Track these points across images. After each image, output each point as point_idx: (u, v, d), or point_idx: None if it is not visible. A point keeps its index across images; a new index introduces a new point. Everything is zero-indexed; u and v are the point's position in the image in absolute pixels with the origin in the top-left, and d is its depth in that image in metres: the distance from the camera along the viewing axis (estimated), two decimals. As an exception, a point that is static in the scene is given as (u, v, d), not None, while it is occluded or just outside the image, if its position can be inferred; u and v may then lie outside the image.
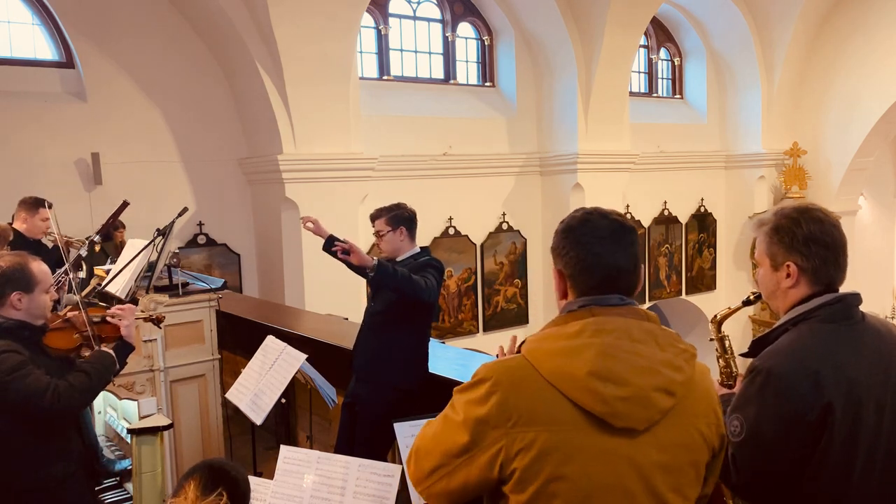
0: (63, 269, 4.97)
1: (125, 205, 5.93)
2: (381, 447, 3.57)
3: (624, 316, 1.49)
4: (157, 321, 3.29)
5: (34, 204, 5.17)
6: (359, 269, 3.67)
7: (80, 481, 2.72)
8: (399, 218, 3.73)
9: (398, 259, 3.74)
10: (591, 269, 1.52)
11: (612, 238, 1.52)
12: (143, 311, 3.30)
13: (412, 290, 3.44)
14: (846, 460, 1.73)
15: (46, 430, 2.59)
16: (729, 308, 2.38)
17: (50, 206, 5.42)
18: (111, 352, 2.75)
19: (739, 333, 10.41)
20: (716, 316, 2.41)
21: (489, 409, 1.42)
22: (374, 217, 3.80)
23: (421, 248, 3.81)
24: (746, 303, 2.27)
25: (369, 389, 3.69)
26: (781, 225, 1.86)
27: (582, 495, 1.40)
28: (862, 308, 1.89)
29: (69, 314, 2.86)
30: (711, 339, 2.39)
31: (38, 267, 2.69)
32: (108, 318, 2.90)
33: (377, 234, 3.76)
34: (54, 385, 2.48)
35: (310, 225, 3.88)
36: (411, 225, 3.77)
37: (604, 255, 1.51)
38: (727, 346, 2.36)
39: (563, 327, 1.49)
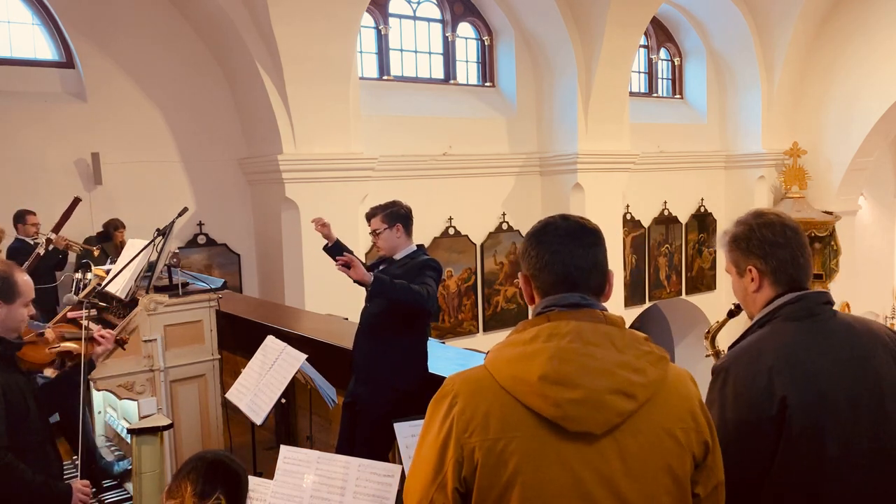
0: (25, 265, 4.97)
1: (77, 201, 5.92)
2: (382, 447, 3.56)
3: (579, 319, 1.47)
4: (122, 343, 3.27)
5: None
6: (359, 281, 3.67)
7: None
8: (395, 215, 3.72)
9: (396, 258, 3.74)
10: (549, 266, 1.53)
11: (571, 236, 1.54)
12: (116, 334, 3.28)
13: (413, 300, 3.46)
14: (815, 455, 1.74)
15: (20, 446, 2.53)
16: (717, 322, 2.42)
17: None
18: (75, 494, 2.64)
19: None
20: (708, 331, 2.44)
21: (450, 422, 1.43)
22: (369, 216, 3.78)
23: (417, 245, 3.82)
24: (730, 314, 2.31)
25: (369, 390, 3.69)
26: (738, 233, 1.93)
27: (542, 501, 1.39)
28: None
29: (46, 331, 2.87)
30: (708, 356, 2.39)
31: (23, 279, 2.63)
32: (96, 336, 2.94)
33: (374, 232, 3.75)
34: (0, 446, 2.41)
35: (321, 228, 3.90)
36: (407, 222, 3.77)
37: (561, 252, 1.52)
38: None
39: (521, 334, 1.49)
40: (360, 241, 7.30)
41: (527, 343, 1.46)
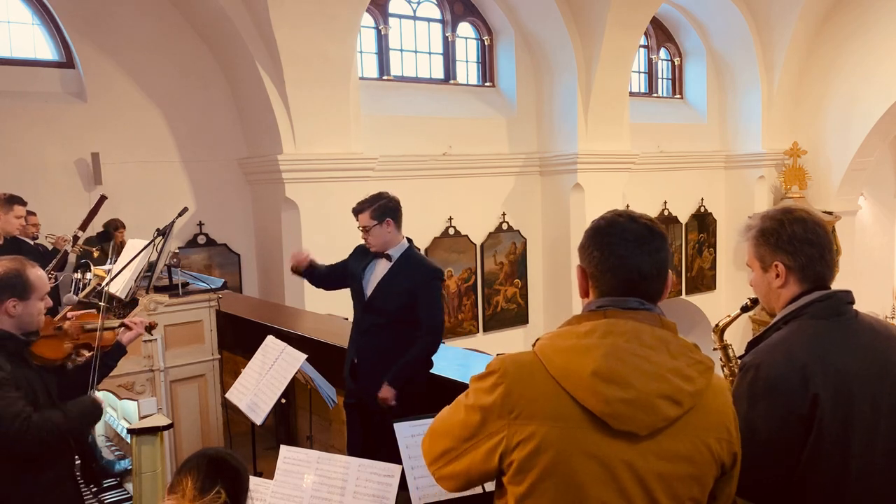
0: (49, 267, 4.99)
1: (103, 199, 5.94)
2: (390, 447, 3.55)
3: (637, 320, 1.49)
4: (151, 327, 3.25)
5: (8, 201, 5.18)
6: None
7: (70, 487, 2.69)
8: (384, 209, 3.57)
9: (392, 258, 3.63)
10: (612, 271, 1.53)
11: (638, 242, 1.53)
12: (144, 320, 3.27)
13: (430, 355, 3.57)
14: (841, 455, 1.73)
15: None
16: (729, 316, 2.41)
17: (24, 204, 5.43)
18: (99, 400, 2.70)
19: (739, 334, 10.41)
20: (717, 325, 2.43)
21: (494, 399, 1.46)
22: (357, 211, 3.62)
23: (407, 239, 3.70)
24: (744, 309, 2.29)
25: (370, 391, 3.67)
26: (766, 227, 1.91)
27: (577, 493, 1.40)
28: (861, 308, 1.90)
29: (65, 322, 2.84)
30: (715, 349, 2.39)
31: (35, 273, 2.62)
32: (127, 322, 2.94)
33: (363, 228, 3.59)
34: (27, 415, 2.38)
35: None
36: (397, 215, 3.62)
37: (627, 258, 1.52)
38: (731, 354, 2.37)
39: (576, 327, 1.51)
40: (359, 241, 7.29)
41: (581, 336, 1.47)
